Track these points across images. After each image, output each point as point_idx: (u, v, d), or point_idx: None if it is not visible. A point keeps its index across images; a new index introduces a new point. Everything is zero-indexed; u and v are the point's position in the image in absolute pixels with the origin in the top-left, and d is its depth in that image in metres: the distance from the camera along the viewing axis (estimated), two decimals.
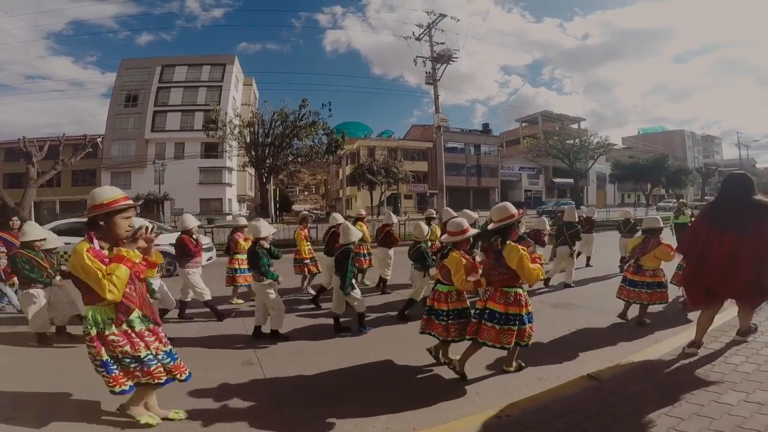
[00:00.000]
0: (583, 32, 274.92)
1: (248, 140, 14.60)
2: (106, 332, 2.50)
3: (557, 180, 48.78)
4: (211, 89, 40.25)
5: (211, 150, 36.58)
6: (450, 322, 3.48)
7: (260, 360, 3.98)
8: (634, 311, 4.94)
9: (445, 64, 18.97)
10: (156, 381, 2.63)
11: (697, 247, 3.50)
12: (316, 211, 39.85)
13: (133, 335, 2.57)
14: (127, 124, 40.09)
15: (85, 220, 2.74)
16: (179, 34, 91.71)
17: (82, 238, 2.48)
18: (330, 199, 59.29)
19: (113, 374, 2.53)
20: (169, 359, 2.71)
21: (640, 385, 2.98)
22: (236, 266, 6.14)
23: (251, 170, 15.43)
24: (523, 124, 58.77)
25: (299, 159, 15.58)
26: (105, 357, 2.51)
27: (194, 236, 5.46)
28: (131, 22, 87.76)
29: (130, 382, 2.58)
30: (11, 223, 6.48)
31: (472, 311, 3.51)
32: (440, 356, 3.67)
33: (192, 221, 5.50)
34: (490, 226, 3.55)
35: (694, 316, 4.42)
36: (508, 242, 3.19)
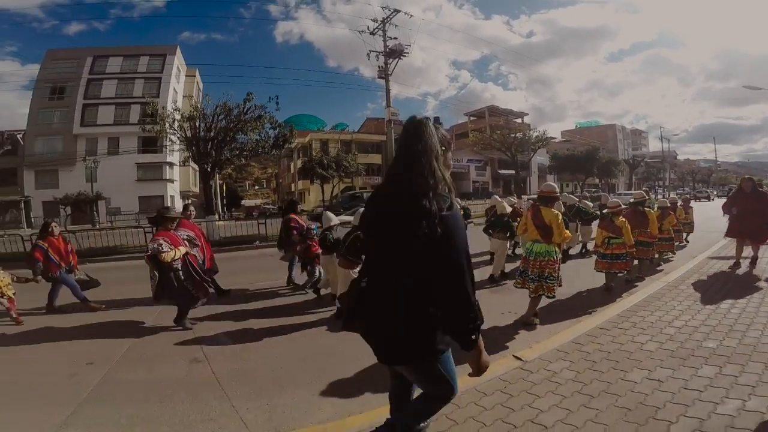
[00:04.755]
0: (528, 30, 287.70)
1: (188, 134, 13.84)
2: (555, 258, 4.26)
3: (502, 171, 50.96)
4: (149, 81, 37.47)
5: (150, 145, 34.21)
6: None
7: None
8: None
9: (397, 59, 19.17)
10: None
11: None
12: (267, 206, 38.45)
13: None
14: (51, 119, 36.48)
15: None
16: (115, 24, 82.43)
17: (545, 207, 4.32)
18: (282, 194, 57.75)
19: (554, 285, 4.29)
20: None
21: (558, 365, 3.27)
22: None
23: (195, 165, 14.72)
24: (471, 118, 60.57)
25: (245, 153, 15.00)
26: (554, 273, 4.27)
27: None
28: (60, 11, 78.37)
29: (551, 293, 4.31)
30: (189, 213, 6.56)
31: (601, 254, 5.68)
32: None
33: (334, 219, 5.93)
34: (605, 211, 6.28)
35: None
36: (618, 218, 5.58)
